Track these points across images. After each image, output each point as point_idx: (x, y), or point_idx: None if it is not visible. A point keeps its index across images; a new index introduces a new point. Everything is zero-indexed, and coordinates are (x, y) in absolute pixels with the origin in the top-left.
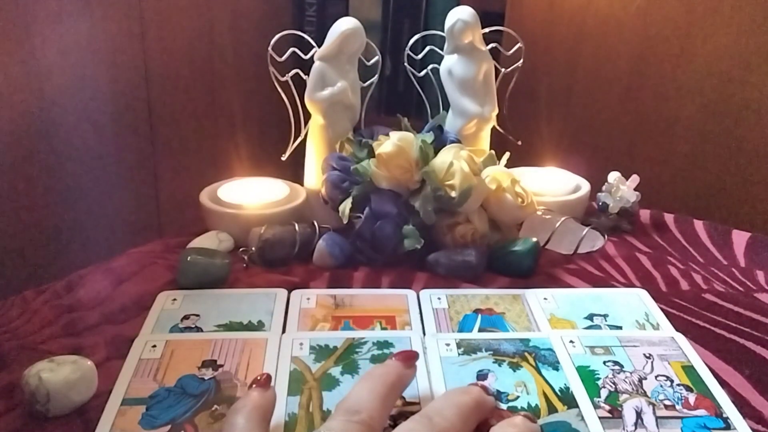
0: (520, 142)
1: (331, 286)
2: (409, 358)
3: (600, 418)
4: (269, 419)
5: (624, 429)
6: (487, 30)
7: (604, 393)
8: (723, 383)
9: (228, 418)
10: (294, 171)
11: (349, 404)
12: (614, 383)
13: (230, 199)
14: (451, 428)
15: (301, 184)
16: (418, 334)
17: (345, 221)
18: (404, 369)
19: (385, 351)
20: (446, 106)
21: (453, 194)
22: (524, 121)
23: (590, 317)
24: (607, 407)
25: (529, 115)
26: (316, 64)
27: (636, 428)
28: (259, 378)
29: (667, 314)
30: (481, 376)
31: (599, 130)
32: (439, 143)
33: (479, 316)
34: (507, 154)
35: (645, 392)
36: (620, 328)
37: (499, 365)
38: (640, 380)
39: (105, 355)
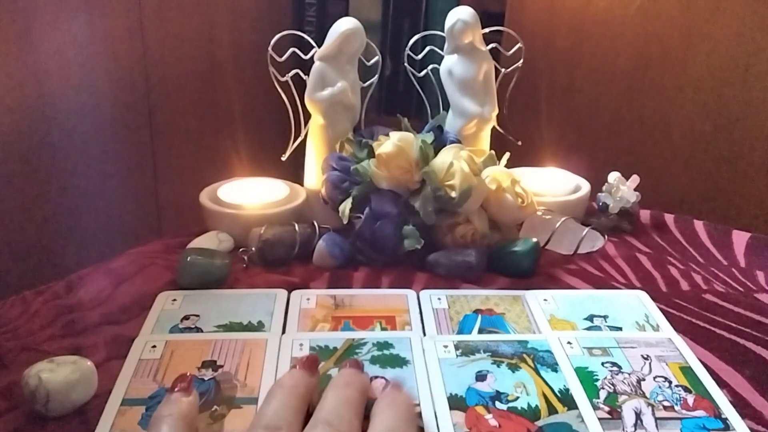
0: (520, 143)
1: (331, 287)
2: (312, 364)
3: (600, 419)
4: (195, 425)
5: (623, 430)
6: (487, 30)
7: (603, 394)
8: (723, 384)
9: (152, 427)
10: (294, 171)
11: (268, 420)
12: (613, 384)
13: (230, 200)
14: (349, 427)
15: (301, 184)
16: (418, 334)
17: (345, 221)
18: (309, 377)
19: (385, 352)
20: (446, 107)
21: (453, 194)
22: (524, 121)
23: (590, 318)
24: (607, 408)
25: (529, 115)
26: (316, 64)
27: (635, 429)
28: (182, 382)
29: (667, 314)
30: (480, 376)
31: (599, 131)
32: (439, 143)
33: (479, 316)
34: (507, 155)
35: (644, 393)
36: (620, 329)
37: (498, 366)
38: (639, 381)
39: (105, 356)
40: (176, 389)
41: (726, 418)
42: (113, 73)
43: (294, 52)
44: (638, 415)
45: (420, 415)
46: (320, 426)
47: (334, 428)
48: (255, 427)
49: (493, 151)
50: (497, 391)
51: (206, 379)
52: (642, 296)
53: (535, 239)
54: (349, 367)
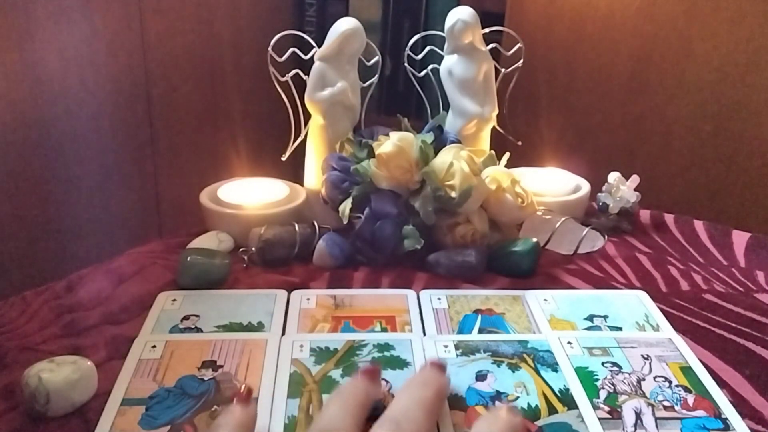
0: (520, 143)
1: (331, 287)
2: (374, 374)
3: (600, 419)
4: None
5: (623, 430)
6: (487, 30)
7: (603, 394)
8: (723, 383)
9: None
10: (294, 171)
11: (324, 425)
12: (613, 384)
13: (230, 200)
14: (419, 430)
15: (301, 184)
16: (419, 334)
17: (345, 221)
18: (371, 386)
19: (386, 353)
20: (446, 107)
21: (453, 194)
22: (524, 121)
23: (590, 318)
24: (607, 408)
25: (529, 115)
26: (316, 64)
27: (636, 429)
28: (241, 392)
29: (667, 314)
30: (480, 376)
31: (599, 130)
32: (439, 143)
33: (479, 316)
34: (507, 155)
35: (644, 393)
36: (620, 329)
37: (498, 366)
38: (639, 381)
39: (105, 356)
40: (235, 401)
41: (726, 418)
42: (113, 73)
43: (294, 52)
44: (638, 415)
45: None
46: (387, 424)
47: (401, 428)
48: (312, 429)
49: (493, 151)
50: (497, 391)
51: (206, 379)
52: (642, 296)
53: (535, 239)
54: (431, 367)
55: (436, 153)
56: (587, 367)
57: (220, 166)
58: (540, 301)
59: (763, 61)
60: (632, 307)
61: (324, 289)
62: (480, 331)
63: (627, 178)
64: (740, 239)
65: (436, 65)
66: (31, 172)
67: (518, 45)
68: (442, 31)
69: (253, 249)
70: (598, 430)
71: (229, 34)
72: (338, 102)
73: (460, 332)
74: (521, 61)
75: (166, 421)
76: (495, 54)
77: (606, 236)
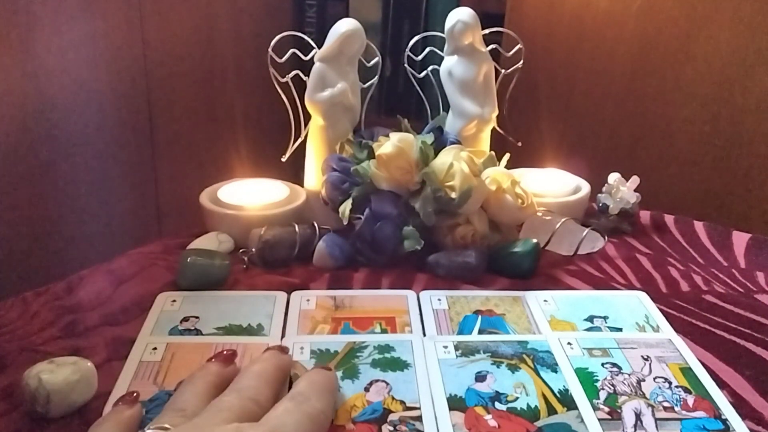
0: (520, 143)
1: (331, 287)
2: (227, 359)
3: (599, 419)
4: None
5: (623, 431)
6: (487, 31)
7: (603, 395)
8: (723, 384)
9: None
10: (294, 172)
11: (175, 404)
12: (613, 385)
13: (230, 200)
14: (257, 392)
15: (302, 185)
16: (419, 335)
17: (345, 222)
18: (223, 368)
19: (386, 355)
20: (446, 107)
21: (453, 195)
22: (524, 123)
23: (590, 319)
24: (607, 409)
25: (529, 116)
26: (316, 65)
27: (635, 430)
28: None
29: (667, 315)
30: (480, 377)
31: (599, 131)
32: (439, 144)
33: (479, 317)
34: (507, 155)
35: (644, 394)
36: (620, 330)
37: (498, 367)
38: (639, 382)
39: (105, 357)
40: (120, 403)
41: (726, 419)
42: (113, 73)
43: (294, 53)
44: (638, 416)
45: (414, 417)
46: (233, 393)
47: (242, 394)
48: (164, 410)
49: (493, 152)
50: (497, 392)
51: None
52: (642, 297)
53: (535, 240)
54: (270, 349)
55: (436, 154)
56: (587, 368)
57: (220, 166)
58: (540, 302)
59: (763, 61)
60: (632, 308)
61: (324, 290)
62: (480, 332)
63: (627, 179)
64: (740, 240)
65: (436, 66)
66: (31, 173)
67: (518, 46)
68: (442, 32)
69: (253, 250)
70: (597, 431)
71: (229, 35)
72: (338, 103)
73: (460, 333)
74: (521, 62)
75: None
76: (495, 55)
77: (606, 237)
